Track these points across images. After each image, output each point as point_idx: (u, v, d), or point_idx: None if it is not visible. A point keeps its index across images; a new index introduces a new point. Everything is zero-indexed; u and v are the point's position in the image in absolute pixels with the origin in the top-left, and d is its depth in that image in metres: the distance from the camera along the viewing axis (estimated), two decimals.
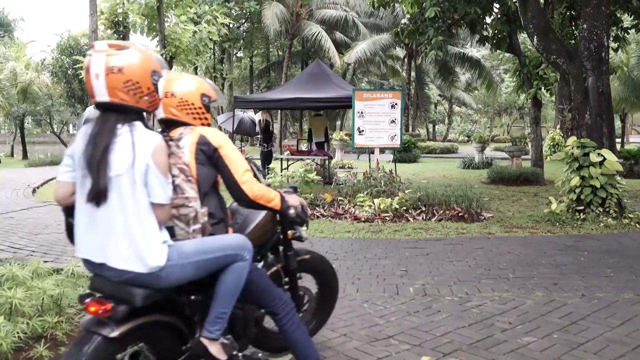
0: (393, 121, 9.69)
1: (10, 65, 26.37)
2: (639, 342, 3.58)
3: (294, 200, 2.76)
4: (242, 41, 33.95)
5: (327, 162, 13.92)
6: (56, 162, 22.40)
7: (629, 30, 10.83)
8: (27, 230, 7.69)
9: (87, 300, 2.26)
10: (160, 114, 2.63)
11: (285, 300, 2.72)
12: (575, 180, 7.96)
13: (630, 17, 10.27)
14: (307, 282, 3.43)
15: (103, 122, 2.24)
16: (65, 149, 25.55)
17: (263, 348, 3.17)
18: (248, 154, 18.90)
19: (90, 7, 15.55)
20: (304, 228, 3.11)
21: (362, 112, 9.64)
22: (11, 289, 3.45)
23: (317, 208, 9.16)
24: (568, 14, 11.23)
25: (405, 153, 20.79)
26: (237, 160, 2.55)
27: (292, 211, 2.71)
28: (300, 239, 3.13)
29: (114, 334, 2.18)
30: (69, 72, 23.52)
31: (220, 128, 32.44)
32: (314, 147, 14.34)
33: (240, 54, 38.35)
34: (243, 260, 2.49)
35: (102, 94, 2.20)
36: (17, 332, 3.22)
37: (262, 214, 2.93)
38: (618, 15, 10.47)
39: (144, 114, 2.38)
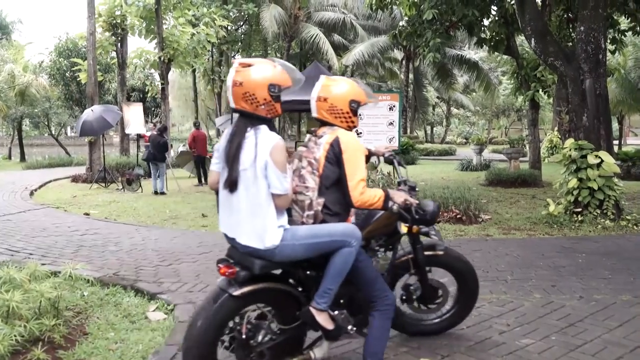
0: (391, 123, 9.71)
1: (8, 67, 26.35)
2: (637, 344, 3.58)
3: (398, 197, 2.99)
4: (240, 43, 33.95)
5: None
6: (54, 164, 22.37)
7: (625, 33, 10.87)
8: (24, 232, 7.68)
9: (221, 264, 2.77)
10: (314, 113, 3.07)
11: (388, 297, 2.98)
12: (573, 182, 7.97)
13: (627, 19, 10.30)
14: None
15: (238, 124, 2.74)
16: (62, 151, 25.37)
17: (399, 329, 3.64)
18: None
19: (88, 9, 15.59)
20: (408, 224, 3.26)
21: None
22: (8, 292, 3.44)
23: None
24: (565, 16, 11.26)
25: (403, 155, 20.82)
26: (355, 168, 2.88)
27: (394, 207, 2.96)
28: (427, 234, 3.36)
29: (237, 292, 2.70)
30: (67, 74, 23.52)
31: (218, 130, 32.47)
32: None
33: (238, 56, 38.36)
34: (350, 247, 2.79)
35: (231, 102, 2.73)
36: (15, 335, 3.21)
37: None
38: (615, 17, 10.50)
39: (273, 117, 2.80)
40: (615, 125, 29.01)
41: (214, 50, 30.32)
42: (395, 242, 3.35)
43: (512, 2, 10.47)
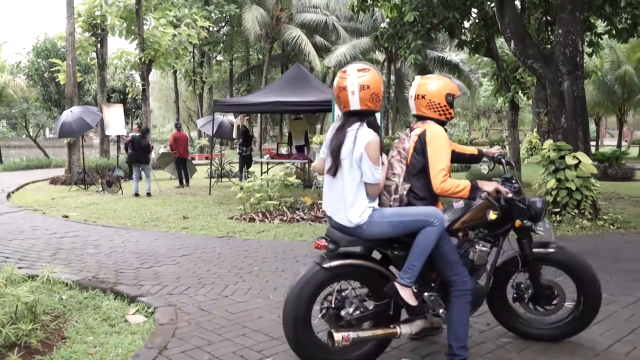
0: None
1: None
2: (612, 341, 3.65)
3: (488, 186, 3.20)
4: (222, 44, 33.83)
5: (306, 165, 13.92)
6: (32, 166, 22.04)
7: (602, 36, 11.04)
8: (1, 235, 7.55)
9: (317, 240, 3.15)
10: (413, 110, 3.40)
11: (466, 281, 3.14)
12: (552, 183, 8.08)
13: (604, 23, 10.46)
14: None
15: (345, 122, 3.13)
16: (40, 152, 24.83)
17: (513, 330, 3.70)
18: (228, 157, 18.81)
19: (67, 9, 15.40)
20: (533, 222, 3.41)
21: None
22: None
23: (296, 212, 9.16)
24: (544, 19, 11.38)
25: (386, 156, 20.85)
26: (437, 158, 3.13)
27: (483, 195, 3.19)
28: (530, 229, 3.42)
29: (326, 265, 3.07)
30: (45, 75, 23.19)
31: (199, 132, 32.26)
32: (294, 151, 14.34)
33: (220, 58, 38.21)
34: (432, 226, 3.02)
35: (355, 105, 3.06)
36: None
37: (480, 200, 3.30)
38: (592, 21, 10.66)
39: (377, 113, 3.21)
40: (592, 126, 29.49)
41: (195, 51, 30.17)
42: (498, 237, 3.44)
43: (492, 4, 10.58)
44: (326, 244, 3.11)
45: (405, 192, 3.19)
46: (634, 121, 40.90)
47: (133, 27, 17.77)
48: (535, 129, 19.57)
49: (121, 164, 16.29)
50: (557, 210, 8.10)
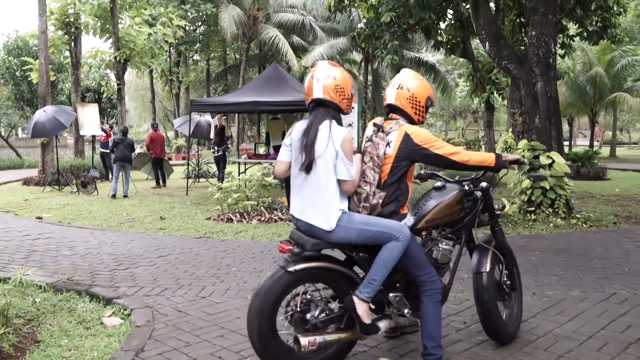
0: (350, 125, 9.77)
1: None
2: (585, 337, 3.71)
3: (512, 157, 3.29)
4: (198, 44, 33.58)
5: None
6: (3, 167, 21.60)
7: (574, 38, 11.26)
8: None
9: (282, 243, 3.04)
10: (391, 100, 3.28)
11: (435, 280, 3.14)
12: (526, 182, 8.21)
13: (575, 25, 10.67)
14: None
15: (312, 121, 3.04)
16: (12, 153, 24.40)
17: (498, 340, 3.59)
18: (205, 157, 18.67)
19: (39, 7, 15.13)
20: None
21: None
22: None
23: (274, 212, 9.14)
24: (518, 21, 11.55)
25: None
26: (438, 144, 3.12)
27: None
28: (501, 212, 3.63)
29: (291, 269, 2.97)
30: (17, 73, 22.75)
31: (176, 132, 31.95)
32: (272, 151, 14.31)
33: (196, 57, 37.89)
34: (397, 241, 2.98)
35: (318, 93, 3.03)
36: None
37: (451, 194, 3.35)
38: (564, 23, 10.85)
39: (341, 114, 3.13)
40: (565, 126, 30.03)
41: (171, 50, 29.88)
42: (461, 234, 3.47)
43: (467, 6, 10.70)
44: (291, 247, 3.02)
45: (380, 201, 3.10)
46: (605, 122, 41.81)
47: (108, 26, 17.53)
48: (510, 129, 19.83)
49: (96, 164, 16.06)
50: (532, 209, 8.24)
